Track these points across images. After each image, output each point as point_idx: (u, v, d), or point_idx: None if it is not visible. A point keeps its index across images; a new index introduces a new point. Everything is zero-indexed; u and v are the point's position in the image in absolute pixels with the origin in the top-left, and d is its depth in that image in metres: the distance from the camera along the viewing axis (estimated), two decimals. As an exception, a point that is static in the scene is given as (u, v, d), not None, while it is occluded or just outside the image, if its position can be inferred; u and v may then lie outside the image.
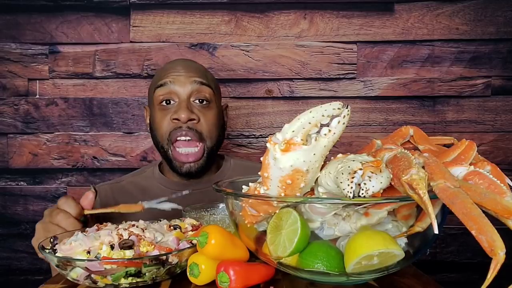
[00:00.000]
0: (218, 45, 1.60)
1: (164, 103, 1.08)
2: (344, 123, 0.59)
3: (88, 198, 0.89)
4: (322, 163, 0.62)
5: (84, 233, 0.77)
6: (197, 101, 1.08)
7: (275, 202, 0.64)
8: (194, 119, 1.05)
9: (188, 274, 0.72)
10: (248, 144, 1.63)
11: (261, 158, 0.62)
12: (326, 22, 1.59)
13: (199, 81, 1.07)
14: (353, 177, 0.56)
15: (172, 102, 1.07)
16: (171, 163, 1.10)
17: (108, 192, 1.18)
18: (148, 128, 1.18)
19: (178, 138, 1.06)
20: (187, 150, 1.06)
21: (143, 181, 1.20)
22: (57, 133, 1.61)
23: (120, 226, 0.79)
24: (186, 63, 1.12)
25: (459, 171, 0.61)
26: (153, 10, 1.59)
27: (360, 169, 0.57)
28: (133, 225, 0.79)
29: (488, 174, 0.59)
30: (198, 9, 1.59)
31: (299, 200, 0.63)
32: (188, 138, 1.06)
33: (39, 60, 1.60)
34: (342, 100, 0.61)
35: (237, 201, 0.71)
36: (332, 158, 0.65)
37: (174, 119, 1.05)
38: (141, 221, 0.83)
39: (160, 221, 0.85)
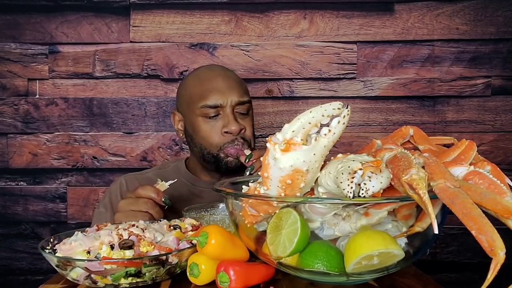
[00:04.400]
0: (218, 45, 1.60)
1: (211, 117, 1.14)
2: (344, 123, 0.59)
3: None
4: (322, 163, 0.62)
5: (84, 233, 0.77)
6: (238, 112, 1.15)
7: (275, 202, 0.64)
8: (243, 129, 1.13)
9: (188, 274, 0.73)
10: (248, 144, 1.63)
11: (261, 158, 0.62)
12: (326, 22, 1.59)
13: (242, 101, 1.14)
14: (353, 177, 0.56)
15: (218, 115, 1.14)
16: (218, 163, 1.15)
17: (135, 182, 1.22)
18: (182, 135, 1.23)
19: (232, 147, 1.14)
20: (239, 151, 1.14)
21: (169, 175, 1.24)
22: (57, 133, 1.61)
23: (120, 226, 0.79)
24: (229, 78, 1.17)
25: (459, 171, 0.61)
26: (153, 10, 1.59)
27: (360, 169, 0.57)
28: (133, 225, 0.79)
29: (488, 174, 0.59)
30: (198, 9, 1.59)
31: (299, 200, 0.63)
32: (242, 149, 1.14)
33: (39, 60, 1.59)
34: (342, 100, 0.61)
35: (237, 201, 0.71)
36: (332, 158, 0.65)
37: (226, 132, 1.12)
38: (141, 221, 0.83)
39: (160, 221, 0.85)
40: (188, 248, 0.74)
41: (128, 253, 0.70)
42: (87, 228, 0.81)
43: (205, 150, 1.16)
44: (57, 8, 1.59)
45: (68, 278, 0.71)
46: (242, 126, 1.13)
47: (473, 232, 0.49)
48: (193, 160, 1.26)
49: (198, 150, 1.18)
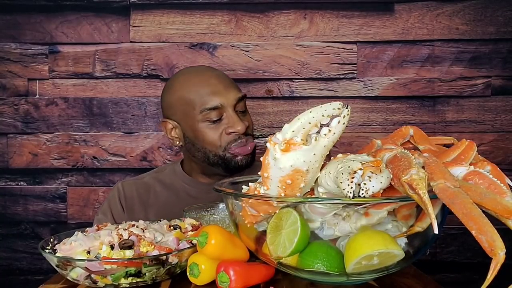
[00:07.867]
0: (218, 45, 1.60)
1: (214, 121, 1.13)
2: (344, 123, 0.59)
3: None
4: (322, 163, 0.62)
5: (84, 233, 0.77)
6: (238, 111, 1.15)
7: (275, 202, 0.64)
8: (248, 126, 1.13)
9: (188, 274, 0.73)
10: (248, 144, 1.63)
11: (261, 158, 0.62)
12: (326, 22, 1.59)
13: (240, 97, 1.14)
14: (353, 177, 0.56)
15: (220, 118, 1.13)
16: (227, 164, 1.14)
17: (132, 187, 1.23)
18: (179, 142, 1.18)
19: (237, 146, 1.13)
20: (245, 149, 1.14)
21: (166, 178, 1.26)
22: (57, 133, 1.61)
23: (120, 226, 0.79)
24: (221, 77, 1.17)
25: (459, 171, 0.61)
26: (153, 10, 1.59)
27: (360, 169, 0.57)
28: (133, 225, 0.79)
29: (488, 174, 0.59)
30: (198, 9, 1.59)
31: (299, 200, 0.63)
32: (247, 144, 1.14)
33: (39, 60, 1.59)
34: (342, 100, 0.61)
35: (237, 201, 0.71)
36: (332, 158, 0.65)
37: (231, 132, 1.11)
38: (141, 221, 0.83)
39: (160, 221, 0.85)
40: (188, 248, 0.74)
41: (128, 253, 0.70)
42: (87, 228, 0.81)
43: (211, 153, 1.13)
44: (57, 8, 1.59)
45: (68, 278, 0.71)
46: (246, 124, 1.12)
47: (473, 232, 0.49)
48: (189, 163, 1.23)
49: (201, 155, 1.15)
